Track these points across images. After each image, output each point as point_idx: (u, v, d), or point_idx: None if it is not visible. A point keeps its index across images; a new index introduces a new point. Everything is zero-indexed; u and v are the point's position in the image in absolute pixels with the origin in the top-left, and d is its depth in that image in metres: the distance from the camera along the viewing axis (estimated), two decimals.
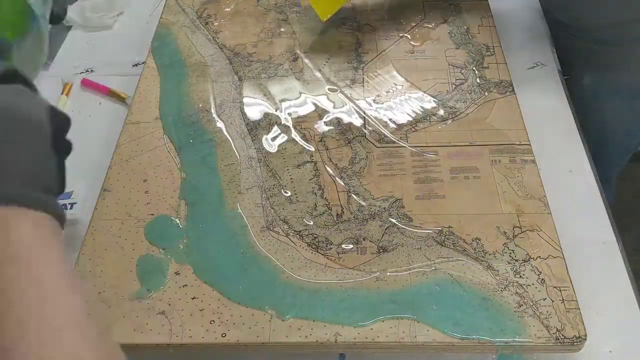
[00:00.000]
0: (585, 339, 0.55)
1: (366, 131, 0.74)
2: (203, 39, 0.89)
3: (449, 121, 0.74)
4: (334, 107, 0.77)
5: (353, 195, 0.67)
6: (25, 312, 0.31)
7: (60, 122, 0.43)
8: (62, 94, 0.86)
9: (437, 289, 0.58)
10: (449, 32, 0.87)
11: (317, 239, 0.63)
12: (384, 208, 0.66)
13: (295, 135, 0.74)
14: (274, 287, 0.59)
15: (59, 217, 0.38)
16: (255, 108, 0.78)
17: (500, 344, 0.55)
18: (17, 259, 0.33)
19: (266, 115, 0.77)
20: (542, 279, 0.59)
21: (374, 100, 0.78)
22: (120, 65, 0.91)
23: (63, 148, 0.44)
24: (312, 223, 0.65)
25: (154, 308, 0.59)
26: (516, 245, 0.62)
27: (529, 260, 0.60)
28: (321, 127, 0.75)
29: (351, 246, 0.63)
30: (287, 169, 0.70)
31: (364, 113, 0.76)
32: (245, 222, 0.65)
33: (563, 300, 0.57)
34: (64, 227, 0.38)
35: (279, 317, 0.57)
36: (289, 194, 0.68)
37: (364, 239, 0.63)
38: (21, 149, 0.38)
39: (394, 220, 0.64)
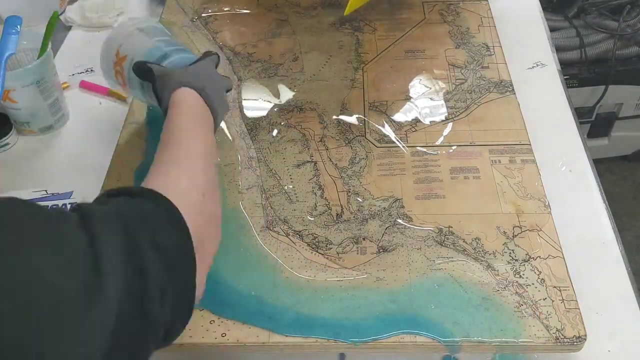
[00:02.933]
0: (585, 339, 0.55)
1: (366, 131, 0.74)
2: (203, 39, 0.89)
3: (449, 121, 0.74)
4: (334, 107, 0.77)
5: (353, 195, 0.67)
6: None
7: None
8: None
9: (437, 289, 0.58)
10: (449, 32, 0.87)
11: (317, 239, 0.63)
12: (384, 208, 0.66)
13: (295, 135, 0.74)
14: (273, 287, 0.59)
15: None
16: (255, 108, 0.78)
17: (500, 344, 0.55)
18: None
19: (266, 115, 0.77)
20: (542, 279, 0.59)
21: (374, 100, 0.78)
22: None
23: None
24: (312, 220, 0.65)
25: None
26: (516, 245, 0.62)
27: (529, 260, 0.60)
28: (321, 127, 0.75)
29: (351, 246, 0.63)
30: (287, 169, 0.70)
31: (364, 113, 0.76)
32: (245, 222, 0.65)
33: (563, 300, 0.57)
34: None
35: (278, 319, 0.57)
36: (289, 192, 0.68)
37: (364, 239, 0.63)
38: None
39: (397, 220, 0.64)
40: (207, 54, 0.63)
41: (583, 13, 1.45)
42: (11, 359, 0.29)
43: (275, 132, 0.74)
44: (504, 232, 0.63)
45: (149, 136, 0.75)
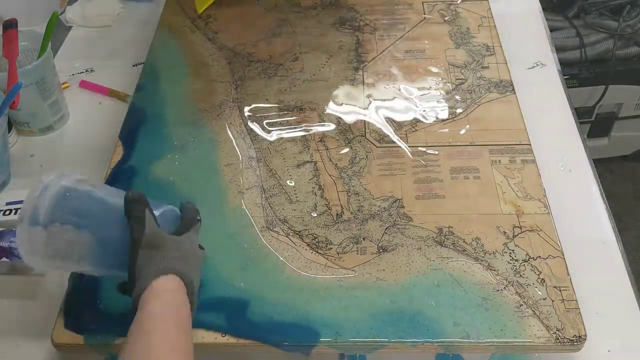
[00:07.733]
0: (585, 339, 0.55)
1: (366, 131, 0.74)
2: (203, 39, 0.89)
3: (449, 121, 0.74)
4: (334, 107, 0.77)
5: (353, 195, 0.67)
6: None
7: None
8: None
9: (437, 289, 0.58)
10: (449, 32, 0.87)
11: (317, 239, 0.63)
12: (384, 208, 0.66)
13: (295, 135, 0.74)
14: (273, 287, 0.59)
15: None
16: (255, 108, 0.78)
17: (500, 344, 0.55)
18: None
19: (266, 115, 0.77)
20: (542, 279, 0.59)
21: (374, 100, 0.78)
22: (120, 65, 0.91)
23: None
24: (312, 219, 0.65)
25: None
26: (516, 245, 0.62)
27: (529, 260, 0.60)
28: (321, 127, 0.75)
29: (351, 246, 0.63)
30: (287, 169, 0.70)
31: (364, 113, 0.76)
32: (245, 222, 0.65)
33: (563, 300, 0.57)
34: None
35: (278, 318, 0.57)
36: (289, 192, 0.68)
37: (364, 239, 0.63)
38: None
39: (397, 220, 0.64)
40: (189, 213, 0.55)
41: (583, 13, 1.45)
42: None
43: (275, 132, 0.74)
44: (504, 232, 0.63)
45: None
